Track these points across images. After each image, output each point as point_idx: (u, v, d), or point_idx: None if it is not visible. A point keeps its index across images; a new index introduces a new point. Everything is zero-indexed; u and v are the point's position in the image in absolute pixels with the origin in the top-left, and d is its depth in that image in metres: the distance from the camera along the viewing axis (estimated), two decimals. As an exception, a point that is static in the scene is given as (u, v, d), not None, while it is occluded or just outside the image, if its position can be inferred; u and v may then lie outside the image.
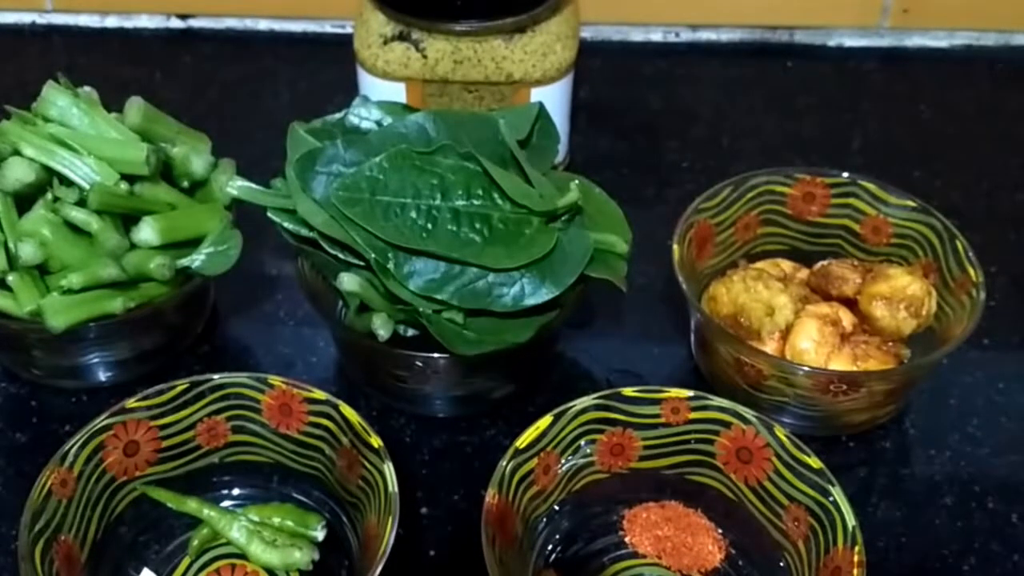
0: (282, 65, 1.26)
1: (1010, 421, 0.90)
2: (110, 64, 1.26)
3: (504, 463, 0.74)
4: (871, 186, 0.94)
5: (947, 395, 0.92)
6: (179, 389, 0.78)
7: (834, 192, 0.95)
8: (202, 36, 1.31)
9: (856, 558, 0.70)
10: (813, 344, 0.86)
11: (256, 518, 0.80)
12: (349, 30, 1.23)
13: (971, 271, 0.87)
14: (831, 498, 0.73)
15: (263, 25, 1.31)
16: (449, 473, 0.87)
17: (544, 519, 0.80)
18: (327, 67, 1.23)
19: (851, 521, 0.71)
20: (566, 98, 1.03)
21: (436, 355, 0.81)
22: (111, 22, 1.31)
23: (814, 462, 0.75)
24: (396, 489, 0.72)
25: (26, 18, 1.32)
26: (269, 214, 0.81)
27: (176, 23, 1.31)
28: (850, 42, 1.29)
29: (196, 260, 0.86)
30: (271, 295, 1.00)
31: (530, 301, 0.79)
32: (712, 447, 0.79)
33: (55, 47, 1.29)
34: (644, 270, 0.89)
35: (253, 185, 0.84)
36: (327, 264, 0.81)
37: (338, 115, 0.86)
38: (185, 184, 0.91)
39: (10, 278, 0.84)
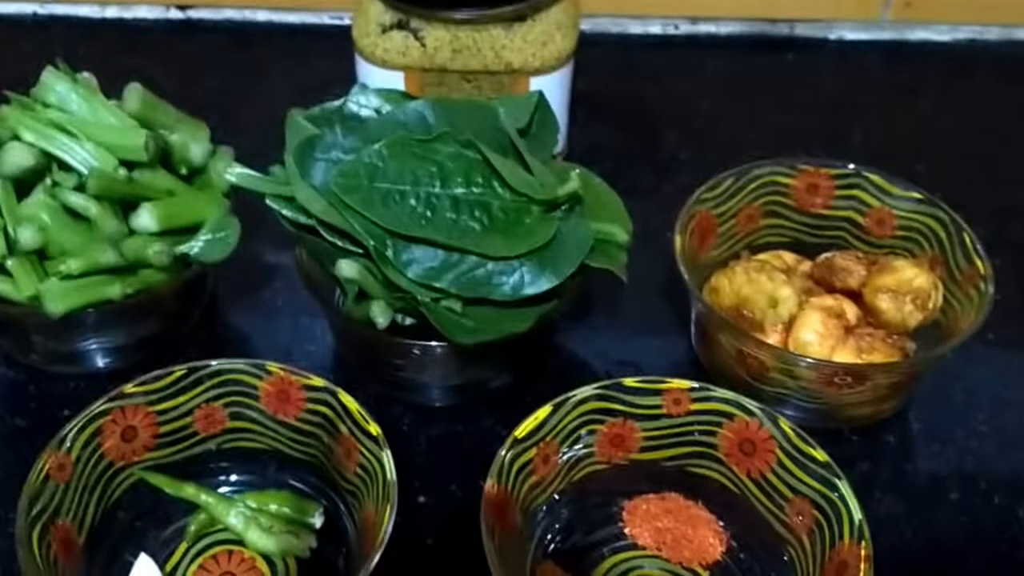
0: (280, 56, 1.26)
1: (1016, 416, 0.90)
2: (110, 54, 1.26)
3: (503, 452, 0.73)
4: (876, 178, 0.93)
5: (952, 390, 0.92)
6: (177, 375, 0.78)
7: (838, 184, 0.94)
8: (201, 27, 1.31)
9: (863, 552, 0.69)
10: (817, 336, 0.85)
11: (254, 504, 0.80)
12: (347, 22, 1.23)
13: (979, 264, 0.86)
14: (837, 492, 0.72)
15: (261, 16, 1.30)
16: (446, 462, 0.87)
17: (543, 509, 0.79)
18: (325, 59, 1.22)
19: (857, 515, 0.71)
20: (565, 88, 1.03)
21: (434, 343, 0.81)
22: (111, 12, 1.31)
23: (819, 455, 0.74)
24: (394, 477, 0.71)
25: (27, 8, 1.31)
26: (267, 201, 0.81)
27: (175, 14, 1.31)
28: (851, 35, 1.29)
29: (194, 247, 0.86)
30: (269, 283, 0.99)
31: (530, 290, 0.78)
32: (714, 439, 0.79)
33: (55, 37, 1.29)
34: (643, 262, 0.89)
35: (251, 172, 0.83)
36: (325, 251, 0.80)
37: (337, 102, 0.85)
38: (183, 171, 0.91)
39: (9, 263, 0.83)
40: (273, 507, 0.79)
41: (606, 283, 0.83)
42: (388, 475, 0.71)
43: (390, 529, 0.69)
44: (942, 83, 1.24)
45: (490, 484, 0.72)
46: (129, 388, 0.77)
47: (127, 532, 0.79)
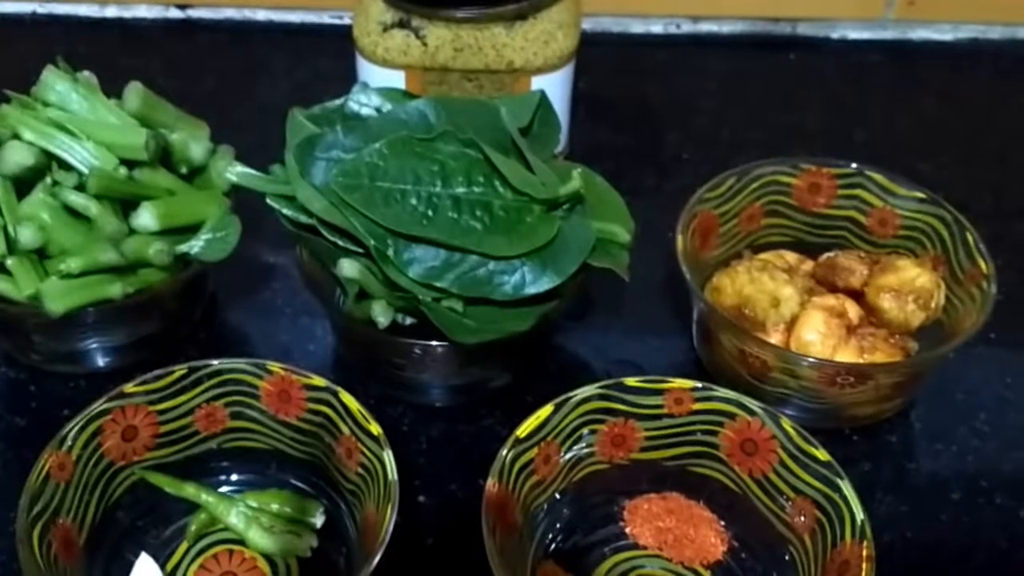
0: (280, 56, 1.26)
1: (1018, 416, 0.90)
2: (109, 53, 1.25)
3: (504, 452, 0.73)
4: (879, 177, 0.93)
5: (954, 389, 0.91)
6: (178, 374, 0.77)
7: (841, 183, 0.94)
8: (201, 26, 1.30)
9: (865, 552, 0.69)
10: (819, 336, 0.85)
11: (255, 504, 0.79)
12: (347, 21, 1.22)
13: (981, 263, 0.86)
14: (839, 492, 0.72)
15: (261, 15, 1.30)
16: (447, 462, 0.86)
17: (544, 509, 0.79)
18: (325, 58, 1.22)
19: (859, 515, 0.71)
20: (567, 87, 1.02)
21: (435, 343, 0.80)
22: (110, 12, 1.31)
23: (821, 454, 0.74)
24: (396, 477, 0.71)
25: (26, 8, 1.31)
26: (268, 200, 0.81)
27: (175, 13, 1.30)
28: (854, 35, 1.28)
29: (195, 246, 0.86)
30: (269, 284, 0.99)
31: (531, 290, 0.78)
32: (716, 439, 0.78)
33: (55, 36, 1.29)
34: (645, 261, 0.89)
35: (252, 171, 0.83)
36: (326, 251, 0.80)
37: (338, 101, 0.85)
38: (184, 170, 0.91)
39: (9, 262, 0.83)
40: (274, 507, 0.79)
41: (607, 283, 0.82)
42: (389, 475, 0.71)
43: (391, 529, 0.68)
44: (945, 82, 1.24)
45: (491, 483, 0.71)
46: (129, 388, 0.76)
47: (128, 532, 0.79)
